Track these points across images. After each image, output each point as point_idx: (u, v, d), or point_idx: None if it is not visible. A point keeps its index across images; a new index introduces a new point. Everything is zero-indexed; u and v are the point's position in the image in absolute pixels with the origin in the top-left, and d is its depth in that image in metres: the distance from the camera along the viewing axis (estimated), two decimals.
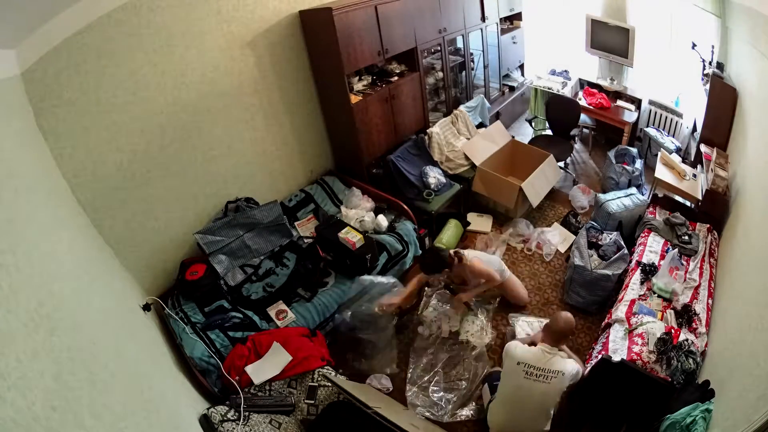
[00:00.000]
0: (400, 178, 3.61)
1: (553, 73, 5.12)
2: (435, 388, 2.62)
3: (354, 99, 3.29)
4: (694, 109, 3.92)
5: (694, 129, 3.93)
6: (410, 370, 2.72)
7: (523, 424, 2.16)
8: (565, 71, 5.09)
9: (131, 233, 2.58)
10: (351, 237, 2.87)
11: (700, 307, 2.51)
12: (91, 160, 2.30)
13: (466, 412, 2.52)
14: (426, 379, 2.68)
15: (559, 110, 4.51)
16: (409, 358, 2.79)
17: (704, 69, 3.60)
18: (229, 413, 1.98)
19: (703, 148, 3.46)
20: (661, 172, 3.57)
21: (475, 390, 2.60)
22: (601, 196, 3.58)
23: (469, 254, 2.83)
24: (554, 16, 5.11)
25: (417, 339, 2.89)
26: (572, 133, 4.39)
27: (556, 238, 3.67)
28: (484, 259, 2.90)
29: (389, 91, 3.50)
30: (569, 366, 2.06)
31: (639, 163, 4.07)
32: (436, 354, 2.78)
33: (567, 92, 4.88)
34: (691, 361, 2.13)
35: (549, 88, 4.92)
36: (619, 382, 2.16)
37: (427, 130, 3.90)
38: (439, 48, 3.93)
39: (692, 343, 2.24)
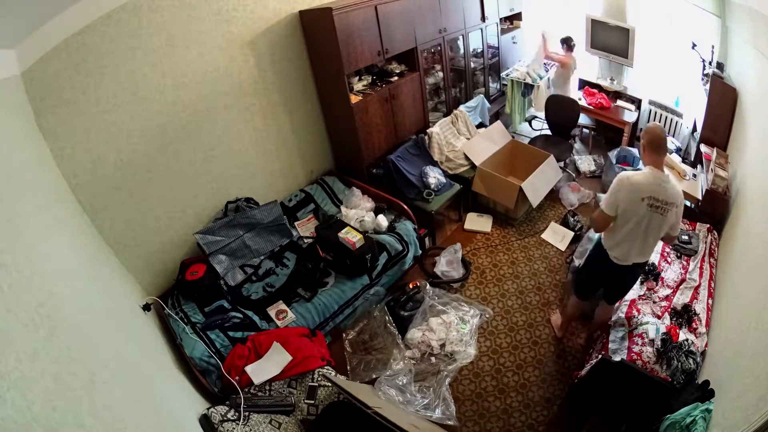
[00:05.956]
0: (400, 178, 3.61)
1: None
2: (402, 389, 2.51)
3: (354, 99, 3.29)
4: (694, 109, 3.92)
5: (694, 129, 3.92)
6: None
7: (637, 252, 2.21)
8: None
9: (131, 233, 2.58)
10: (351, 237, 2.87)
11: (700, 307, 2.51)
12: (91, 160, 2.30)
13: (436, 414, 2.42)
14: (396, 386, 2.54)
15: (558, 110, 4.51)
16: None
17: (704, 69, 3.59)
18: (229, 413, 1.98)
19: (703, 148, 3.46)
20: None
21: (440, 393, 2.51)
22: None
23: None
24: (554, 16, 5.10)
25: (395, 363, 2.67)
26: (572, 133, 4.39)
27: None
28: None
29: (389, 91, 3.50)
30: (680, 193, 2.10)
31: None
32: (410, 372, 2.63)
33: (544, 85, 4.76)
34: (691, 361, 2.13)
35: (524, 79, 4.68)
36: (619, 382, 2.16)
37: (427, 130, 3.90)
38: (439, 48, 3.93)
39: (692, 343, 2.24)
